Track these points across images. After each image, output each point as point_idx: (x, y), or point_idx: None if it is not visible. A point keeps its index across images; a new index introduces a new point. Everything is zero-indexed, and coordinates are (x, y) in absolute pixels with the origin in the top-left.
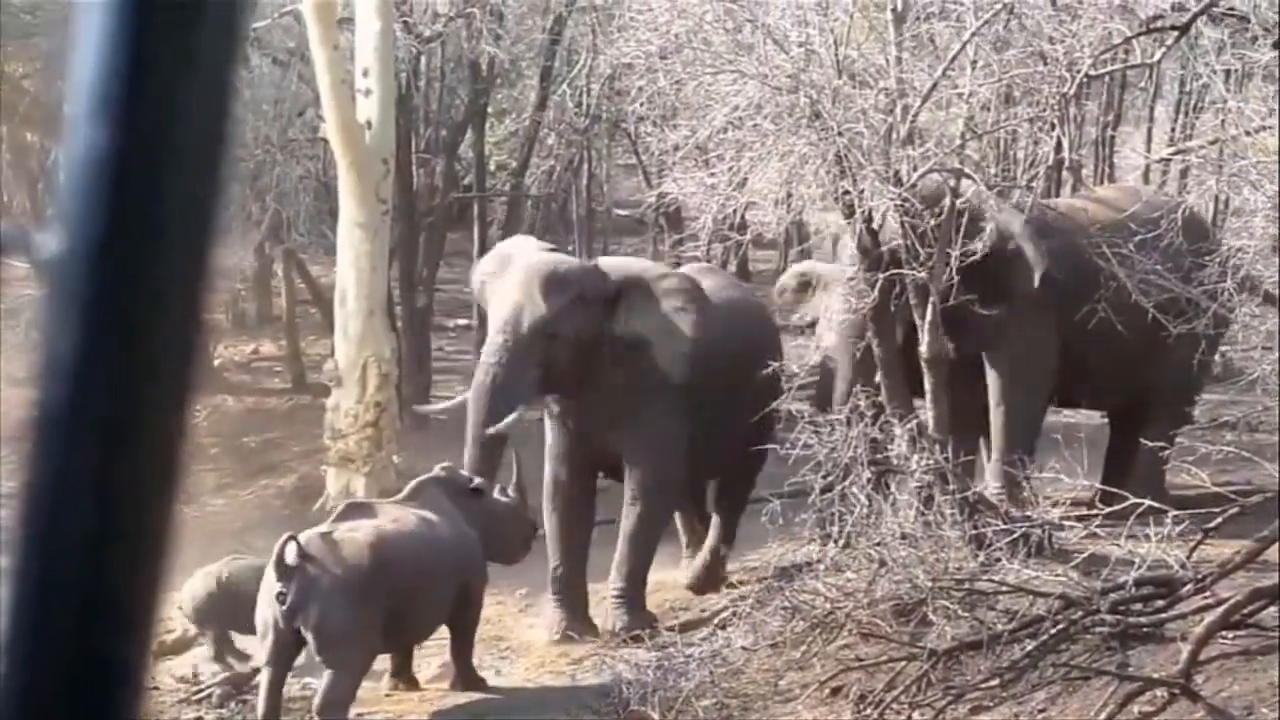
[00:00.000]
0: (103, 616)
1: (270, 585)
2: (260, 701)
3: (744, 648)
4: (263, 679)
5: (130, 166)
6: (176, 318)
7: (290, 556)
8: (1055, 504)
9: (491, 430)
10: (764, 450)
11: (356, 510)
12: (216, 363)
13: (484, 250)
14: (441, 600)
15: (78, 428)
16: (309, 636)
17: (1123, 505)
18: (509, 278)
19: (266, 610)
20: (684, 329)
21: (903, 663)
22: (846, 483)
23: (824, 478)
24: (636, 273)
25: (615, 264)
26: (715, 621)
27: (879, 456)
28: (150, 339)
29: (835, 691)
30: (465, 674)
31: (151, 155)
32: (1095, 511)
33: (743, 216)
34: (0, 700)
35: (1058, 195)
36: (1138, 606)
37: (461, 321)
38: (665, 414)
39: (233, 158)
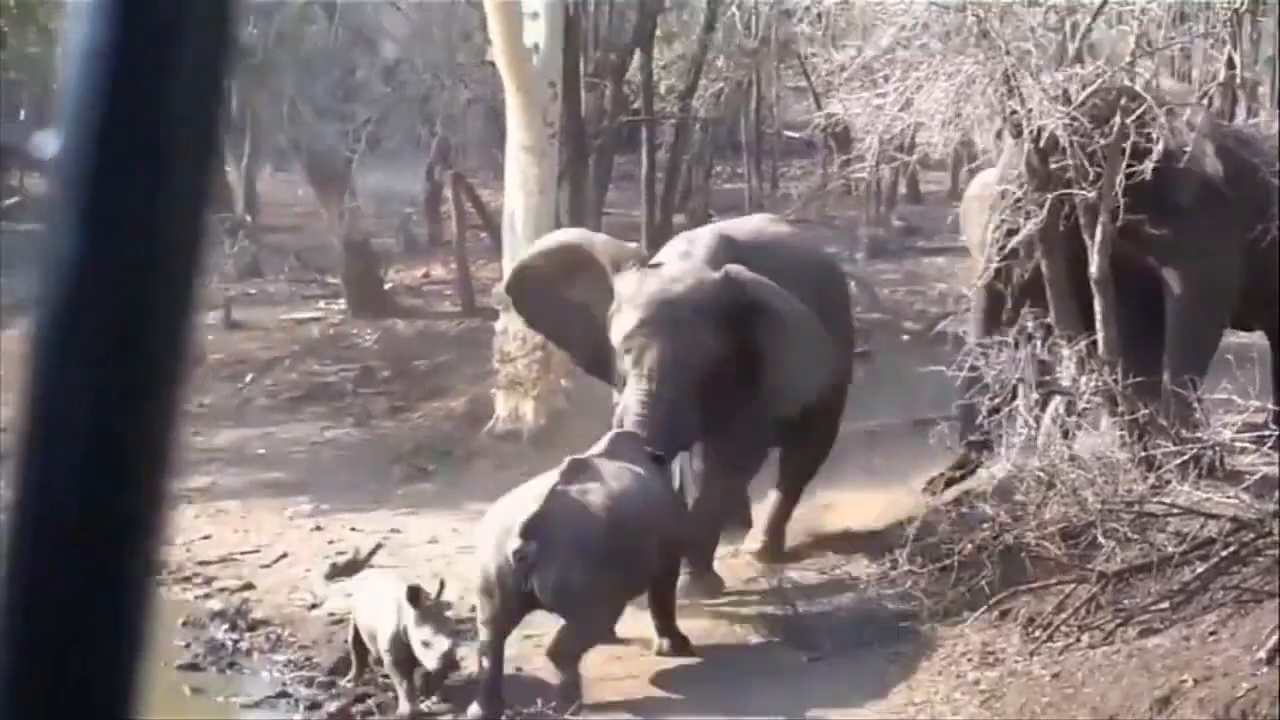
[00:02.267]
0: (93, 613)
1: (500, 543)
2: (488, 664)
3: (911, 571)
4: (486, 638)
5: (130, 64)
6: (182, 211)
7: (532, 516)
8: (1227, 425)
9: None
10: (833, 419)
11: (580, 470)
12: (388, 286)
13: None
14: (654, 558)
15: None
16: (547, 599)
17: None
18: (643, 311)
19: (492, 566)
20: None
21: (1072, 585)
22: (1014, 404)
23: (991, 400)
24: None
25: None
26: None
27: (1046, 379)
28: (155, 229)
29: (1004, 614)
30: (676, 636)
31: (154, 53)
32: (1268, 433)
33: (911, 137)
34: None
35: (1233, 113)
36: None
37: (630, 245)
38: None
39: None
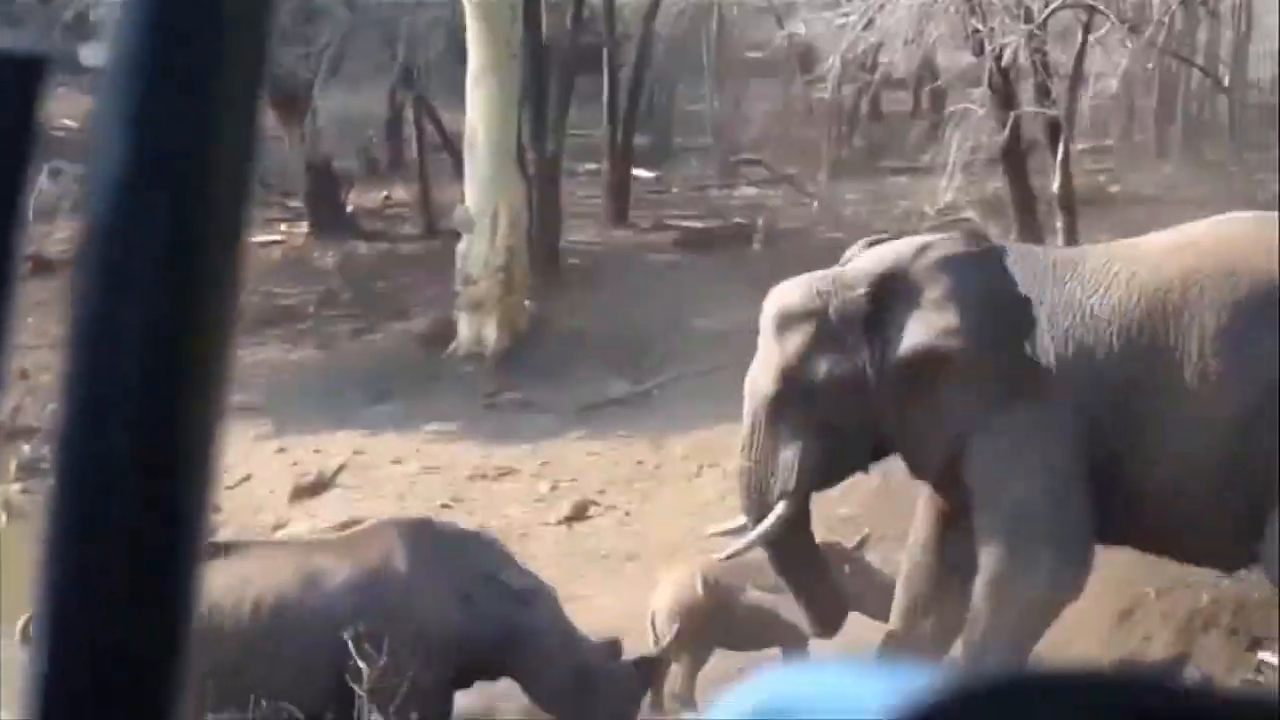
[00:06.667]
0: (138, 608)
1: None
2: None
3: None
4: None
5: None
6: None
7: None
8: None
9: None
10: None
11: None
12: (349, 209)
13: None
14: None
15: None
16: None
17: None
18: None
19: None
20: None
21: None
22: None
23: None
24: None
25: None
26: None
27: None
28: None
29: None
30: None
31: None
32: None
33: (874, 56)
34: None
35: (1193, 33)
36: None
37: (591, 166)
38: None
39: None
